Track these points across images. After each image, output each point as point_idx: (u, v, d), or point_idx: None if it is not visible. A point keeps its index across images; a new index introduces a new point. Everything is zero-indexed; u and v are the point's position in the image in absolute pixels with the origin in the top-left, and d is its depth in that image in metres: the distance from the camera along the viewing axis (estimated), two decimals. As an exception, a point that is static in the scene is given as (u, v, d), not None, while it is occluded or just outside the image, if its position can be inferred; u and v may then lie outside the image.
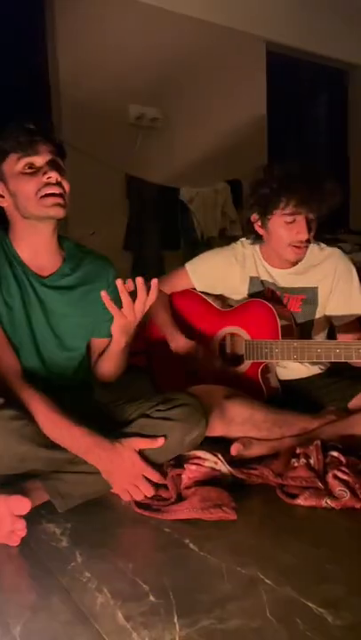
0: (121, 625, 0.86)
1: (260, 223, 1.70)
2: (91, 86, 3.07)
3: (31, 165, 1.25)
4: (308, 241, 1.65)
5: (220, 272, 1.81)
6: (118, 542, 1.12)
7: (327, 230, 4.02)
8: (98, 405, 1.45)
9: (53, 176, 1.25)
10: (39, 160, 1.26)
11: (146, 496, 1.24)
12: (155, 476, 1.23)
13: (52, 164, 1.26)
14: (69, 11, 3.04)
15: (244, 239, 1.85)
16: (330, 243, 3.92)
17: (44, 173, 1.25)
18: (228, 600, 0.91)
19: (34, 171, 1.25)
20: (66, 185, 1.29)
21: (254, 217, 1.71)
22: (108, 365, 1.45)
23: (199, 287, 1.84)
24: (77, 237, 1.46)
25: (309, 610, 0.88)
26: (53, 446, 1.21)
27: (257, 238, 1.77)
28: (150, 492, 1.23)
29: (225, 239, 3.24)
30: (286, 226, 1.63)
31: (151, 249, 3.28)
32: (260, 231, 1.72)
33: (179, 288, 1.87)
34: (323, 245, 1.79)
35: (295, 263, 1.74)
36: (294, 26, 3.93)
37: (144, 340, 1.89)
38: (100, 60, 3.12)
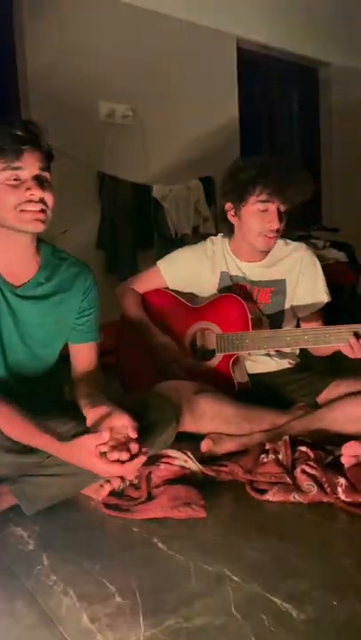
0: (86, 627, 0.85)
1: (233, 212, 1.72)
2: (60, 83, 3.03)
3: (16, 178, 1.20)
4: (277, 231, 1.67)
5: (192, 269, 1.82)
6: (86, 544, 1.11)
7: (300, 227, 4.08)
8: (69, 405, 1.43)
9: (36, 194, 1.20)
10: (24, 174, 1.20)
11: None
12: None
13: (37, 180, 1.21)
14: (38, 8, 2.99)
15: (212, 237, 1.87)
16: (303, 239, 3.97)
17: (28, 189, 1.20)
18: (194, 598, 0.91)
19: (18, 183, 1.20)
20: (49, 199, 1.24)
21: (228, 205, 1.73)
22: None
23: (172, 285, 1.85)
24: (49, 236, 1.44)
25: (274, 605, 0.89)
26: (21, 451, 1.19)
27: (229, 229, 1.78)
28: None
29: (199, 237, 3.24)
30: (259, 214, 1.65)
31: (124, 247, 3.25)
32: (233, 220, 1.74)
33: (151, 287, 1.87)
34: (288, 240, 1.83)
35: (264, 256, 1.77)
36: (265, 23, 3.95)
37: (114, 339, 1.88)
38: (70, 57, 3.08)
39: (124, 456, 1.10)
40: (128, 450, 1.11)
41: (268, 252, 1.77)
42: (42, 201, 1.22)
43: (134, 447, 1.12)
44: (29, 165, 1.20)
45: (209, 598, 0.91)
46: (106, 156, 3.23)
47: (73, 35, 3.09)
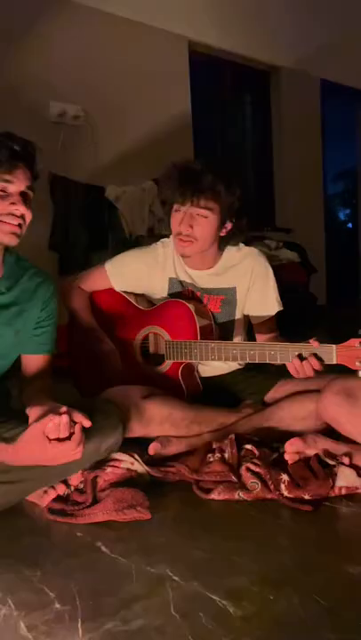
0: (23, 636, 0.84)
1: (168, 218, 1.74)
2: (10, 83, 2.98)
3: (3, 189, 1.22)
4: (193, 237, 1.65)
5: (140, 272, 1.80)
6: (28, 551, 1.09)
7: (253, 228, 4.14)
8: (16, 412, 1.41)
9: (20, 210, 1.24)
10: (12, 188, 1.23)
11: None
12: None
13: (23, 197, 1.25)
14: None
15: (165, 239, 1.86)
16: (256, 240, 4.04)
17: (12, 203, 1.23)
18: (134, 600, 0.91)
19: (4, 194, 1.22)
20: (28, 218, 1.27)
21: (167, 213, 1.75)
22: None
23: (118, 287, 1.83)
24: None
25: (213, 603, 0.90)
26: None
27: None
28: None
29: (154, 238, 3.25)
30: (174, 216, 1.67)
31: (77, 248, 3.23)
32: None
33: (99, 287, 1.85)
34: (241, 246, 1.83)
35: (213, 263, 1.77)
36: (216, 26, 3.99)
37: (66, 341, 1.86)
38: (21, 57, 3.03)
39: (64, 432, 1.09)
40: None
41: (217, 260, 1.78)
42: (22, 217, 1.26)
43: (77, 427, 1.12)
44: (19, 181, 1.24)
45: (149, 600, 0.91)
46: (58, 156, 3.19)
47: (23, 35, 3.05)
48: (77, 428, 1.11)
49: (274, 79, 4.56)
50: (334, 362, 1.42)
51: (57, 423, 1.09)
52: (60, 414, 1.10)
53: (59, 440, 1.10)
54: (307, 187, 4.83)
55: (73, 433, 1.11)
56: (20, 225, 1.26)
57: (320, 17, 4.69)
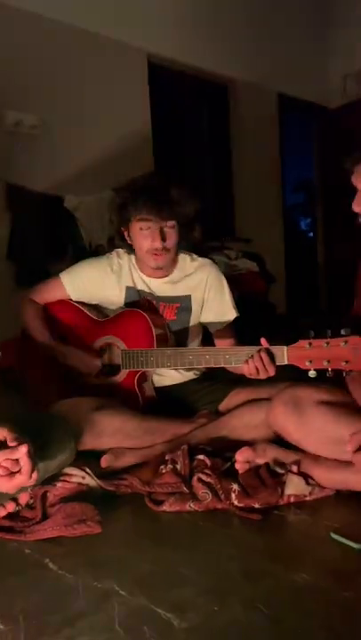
0: None
1: (126, 233, 1.75)
2: None
3: None
4: (165, 249, 1.70)
5: (96, 282, 1.81)
6: (-27, 571, 1.07)
7: (213, 238, 4.19)
8: None
9: None
10: None
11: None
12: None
13: None
14: None
15: (120, 249, 1.87)
16: (215, 250, 4.07)
17: None
18: (78, 617, 0.90)
19: None
20: None
21: (122, 228, 1.75)
22: None
23: (74, 297, 1.83)
24: None
25: (158, 616, 0.90)
26: None
27: (130, 248, 1.80)
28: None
29: (114, 248, 3.25)
30: (142, 233, 1.69)
31: (35, 259, 3.18)
32: (128, 240, 1.76)
33: (53, 298, 1.85)
34: (195, 256, 1.86)
35: (169, 272, 1.79)
36: (175, 40, 4.04)
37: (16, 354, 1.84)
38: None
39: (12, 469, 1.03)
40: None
41: (172, 268, 1.80)
42: None
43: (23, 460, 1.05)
44: None
45: (94, 616, 0.91)
46: (14, 166, 3.16)
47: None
48: (24, 462, 1.04)
49: (232, 92, 4.63)
50: (285, 362, 1.45)
51: None
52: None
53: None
54: (266, 197, 4.92)
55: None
56: None
57: (277, 32, 4.81)
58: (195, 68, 4.28)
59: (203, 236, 4.27)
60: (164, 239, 1.68)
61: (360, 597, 0.92)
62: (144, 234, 1.68)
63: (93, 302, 1.85)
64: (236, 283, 3.71)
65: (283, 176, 5.18)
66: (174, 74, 4.23)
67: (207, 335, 1.91)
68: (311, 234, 6.35)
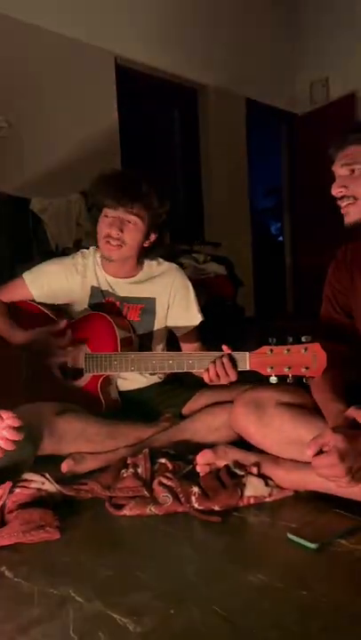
0: None
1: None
2: None
3: None
4: (120, 240, 1.69)
5: (60, 282, 1.80)
6: None
7: (183, 241, 4.21)
8: None
9: None
10: None
11: None
12: None
13: None
14: None
15: (85, 249, 1.87)
16: (184, 253, 4.09)
17: None
18: (32, 625, 0.89)
19: None
20: None
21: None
22: None
23: (38, 298, 1.81)
24: None
25: (113, 621, 0.89)
26: None
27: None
28: None
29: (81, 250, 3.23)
30: (104, 220, 1.70)
31: (1, 261, 3.14)
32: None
33: (17, 298, 1.82)
34: (161, 260, 1.87)
35: (133, 273, 1.79)
36: (143, 43, 4.05)
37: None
38: None
39: None
40: None
41: (137, 270, 1.80)
42: None
43: None
44: None
45: (48, 623, 0.89)
46: (-21, 167, 3.11)
47: None
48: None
49: (201, 97, 4.67)
50: (247, 368, 1.45)
51: None
52: None
53: None
54: (234, 201, 4.97)
55: None
56: None
57: (246, 38, 4.87)
58: (164, 72, 4.29)
59: (172, 238, 4.30)
60: (121, 229, 1.68)
61: (314, 596, 0.93)
62: (106, 221, 1.69)
63: (58, 302, 1.83)
64: (204, 286, 3.75)
65: (251, 180, 5.24)
66: (144, 77, 4.24)
67: (172, 339, 1.92)
68: (281, 238, 6.44)
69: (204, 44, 4.51)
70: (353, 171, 1.28)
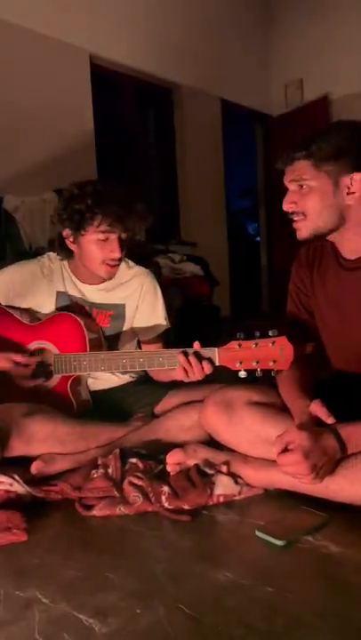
0: None
1: (72, 239, 1.69)
2: None
3: None
4: (120, 259, 1.69)
5: (25, 285, 1.77)
6: None
7: (159, 241, 4.21)
8: None
9: None
10: None
11: None
12: None
13: None
14: None
15: (51, 253, 1.84)
16: (160, 253, 4.09)
17: None
18: (-3, 628, 0.88)
19: None
20: None
21: (67, 232, 1.69)
22: None
23: (3, 301, 1.78)
24: None
25: (79, 622, 0.89)
26: None
27: (68, 253, 1.76)
28: None
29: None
30: (99, 243, 1.65)
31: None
32: (72, 247, 1.71)
33: None
34: (131, 264, 1.85)
35: (104, 279, 1.78)
36: (117, 42, 4.04)
37: None
38: None
39: None
40: None
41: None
42: None
43: None
44: None
45: (13, 625, 0.89)
46: None
47: None
48: None
49: (176, 96, 4.67)
50: (217, 363, 1.45)
51: None
52: None
53: None
54: (210, 201, 4.99)
55: None
56: None
57: (221, 40, 4.89)
58: (139, 71, 4.29)
59: (148, 238, 4.30)
60: (122, 249, 1.66)
61: (280, 592, 0.95)
62: (103, 244, 1.64)
63: (24, 306, 1.80)
64: (180, 286, 3.76)
65: (229, 181, 5.27)
66: (119, 76, 4.22)
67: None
68: (258, 238, 6.49)
69: (179, 44, 4.52)
70: (301, 186, 1.30)
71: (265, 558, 1.07)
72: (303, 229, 1.32)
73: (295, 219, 1.33)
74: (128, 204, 1.66)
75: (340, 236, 1.34)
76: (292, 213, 1.32)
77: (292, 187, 1.32)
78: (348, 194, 1.26)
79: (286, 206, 1.33)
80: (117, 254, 1.66)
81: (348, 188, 1.26)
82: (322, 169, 1.26)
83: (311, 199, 1.28)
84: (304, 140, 1.29)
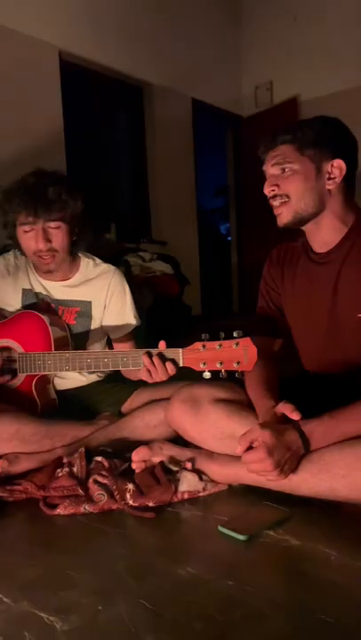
0: None
1: (11, 235, 1.70)
2: None
3: None
4: (52, 250, 1.65)
5: None
6: None
7: (130, 239, 4.20)
8: None
9: None
10: None
11: None
12: None
13: None
14: None
15: (16, 250, 1.81)
16: (130, 252, 4.08)
17: None
18: None
19: None
20: None
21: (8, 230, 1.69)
22: None
23: None
24: None
25: (41, 620, 0.89)
26: None
27: (22, 252, 1.75)
28: None
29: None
30: (25, 235, 1.64)
31: None
32: (17, 244, 1.71)
33: None
34: (98, 261, 1.84)
35: (69, 275, 1.76)
36: (87, 39, 4.01)
37: None
38: None
39: None
40: None
41: (72, 272, 1.77)
42: None
43: None
44: None
45: (-28, 627, 0.88)
46: None
47: None
48: None
49: (147, 95, 4.67)
50: (181, 364, 1.45)
51: None
52: None
53: None
54: (181, 200, 5.01)
55: None
56: None
57: (191, 38, 4.91)
58: (109, 69, 4.26)
59: (118, 237, 4.28)
60: (49, 240, 1.63)
61: (240, 585, 0.96)
62: (28, 236, 1.63)
63: None
64: (150, 285, 3.76)
65: (201, 180, 5.29)
66: (89, 73, 4.19)
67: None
68: (230, 238, 6.54)
69: (150, 43, 4.51)
70: (284, 170, 1.32)
71: (227, 553, 1.09)
72: (285, 213, 1.33)
73: (277, 203, 1.34)
74: (34, 192, 1.59)
75: (316, 225, 1.35)
76: (273, 197, 1.34)
77: (273, 170, 1.33)
78: (328, 179, 1.30)
79: (268, 189, 1.34)
80: (41, 245, 1.62)
81: (329, 174, 1.29)
82: (305, 153, 1.30)
83: (294, 181, 1.30)
84: (289, 126, 1.32)
